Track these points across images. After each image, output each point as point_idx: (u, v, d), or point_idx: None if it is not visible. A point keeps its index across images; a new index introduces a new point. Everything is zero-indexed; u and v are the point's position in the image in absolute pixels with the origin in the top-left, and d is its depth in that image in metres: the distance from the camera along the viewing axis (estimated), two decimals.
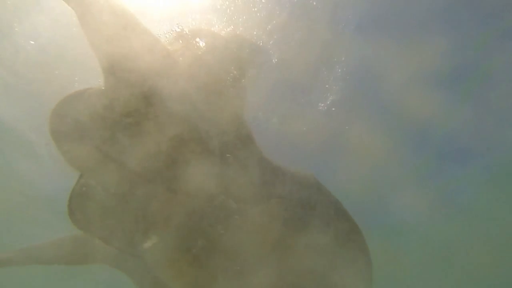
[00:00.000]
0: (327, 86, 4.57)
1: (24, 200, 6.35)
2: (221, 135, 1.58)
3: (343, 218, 1.68)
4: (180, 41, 1.90)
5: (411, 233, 6.89)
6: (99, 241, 1.57)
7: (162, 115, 1.51)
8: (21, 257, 2.11)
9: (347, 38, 4.16)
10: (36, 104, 4.43)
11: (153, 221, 1.51)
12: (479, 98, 4.67)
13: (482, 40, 4.11)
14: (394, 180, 5.75)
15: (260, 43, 3.49)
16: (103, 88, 1.53)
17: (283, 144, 4.43)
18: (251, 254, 1.53)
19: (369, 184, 5.73)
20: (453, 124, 4.94)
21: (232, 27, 3.41)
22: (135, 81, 1.48)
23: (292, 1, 3.63)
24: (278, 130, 4.47)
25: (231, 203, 1.50)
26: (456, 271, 8.46)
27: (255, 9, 3.48)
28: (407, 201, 5.90)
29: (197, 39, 1.86)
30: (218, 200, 1.51)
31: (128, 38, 1.47)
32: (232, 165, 1.56)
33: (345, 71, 4.51)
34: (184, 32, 1.95)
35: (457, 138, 5.15)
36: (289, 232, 1.57)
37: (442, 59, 4.26)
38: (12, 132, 5.02)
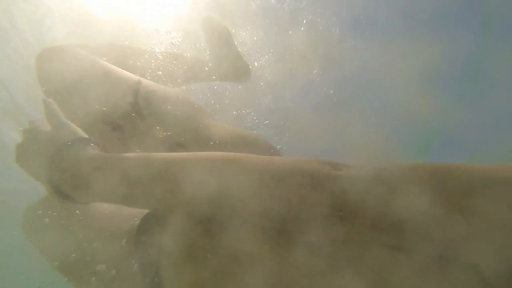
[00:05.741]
0: (324, 88, 4.55)
1: None
2: None
3: None
4: None
5: None
6: None
7: None
8: None
9: (346, 37, 4.13)
10: None
11: None
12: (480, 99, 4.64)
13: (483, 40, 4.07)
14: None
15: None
16: None
17: (281, 144, 4.41)
18: None
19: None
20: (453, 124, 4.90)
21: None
22: None
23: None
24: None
25: None
26: None
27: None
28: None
29: None
30: None
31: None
32: None
33: (345, 71, 4.49)
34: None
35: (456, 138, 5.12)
36: None
37: (443, 59, 4.22)
38: None
